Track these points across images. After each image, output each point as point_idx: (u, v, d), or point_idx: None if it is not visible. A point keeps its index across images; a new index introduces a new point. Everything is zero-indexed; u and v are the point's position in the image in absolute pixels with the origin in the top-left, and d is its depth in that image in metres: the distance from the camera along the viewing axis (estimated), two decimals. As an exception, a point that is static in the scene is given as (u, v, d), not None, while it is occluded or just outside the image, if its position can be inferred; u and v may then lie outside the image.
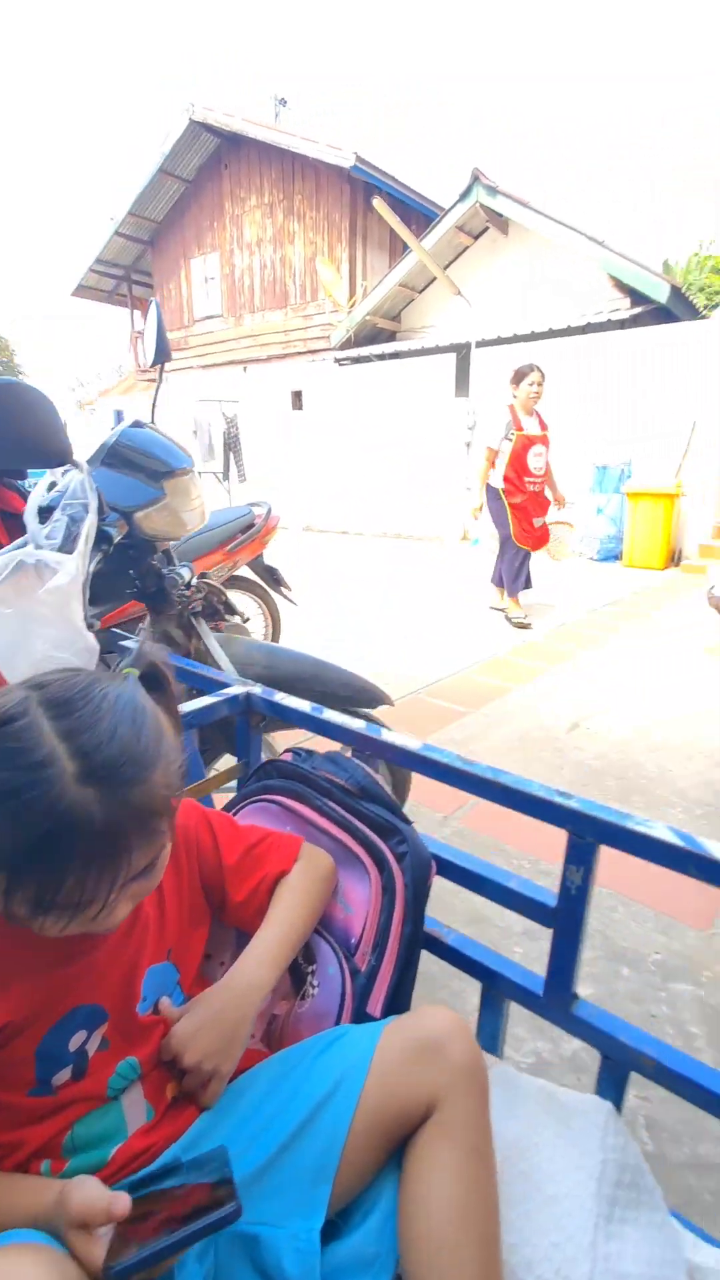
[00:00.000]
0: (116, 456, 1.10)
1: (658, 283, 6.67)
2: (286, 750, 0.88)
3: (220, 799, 1.03)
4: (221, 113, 10.13)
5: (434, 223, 8.20)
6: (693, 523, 5.99)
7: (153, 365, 1.26)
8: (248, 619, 1.40)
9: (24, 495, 1.14)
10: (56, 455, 0.83)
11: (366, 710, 1.48)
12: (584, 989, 1.36)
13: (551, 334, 7.32)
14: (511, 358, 6.93)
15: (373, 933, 0.71)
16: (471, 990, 1.16)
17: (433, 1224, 0.54)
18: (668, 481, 5.90)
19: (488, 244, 8.39)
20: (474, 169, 7.57)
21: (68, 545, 0.84)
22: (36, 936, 0.52)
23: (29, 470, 1.19)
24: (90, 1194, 0.48)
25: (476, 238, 8.43)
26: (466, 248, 8.53)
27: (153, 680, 0.61)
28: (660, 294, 6.62)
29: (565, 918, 0.66)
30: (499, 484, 4.02)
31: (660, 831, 0.59)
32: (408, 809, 1.81)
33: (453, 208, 7.86)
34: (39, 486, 0.91)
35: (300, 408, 9.02)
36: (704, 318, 6.86)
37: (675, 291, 6.69)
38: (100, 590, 1.31)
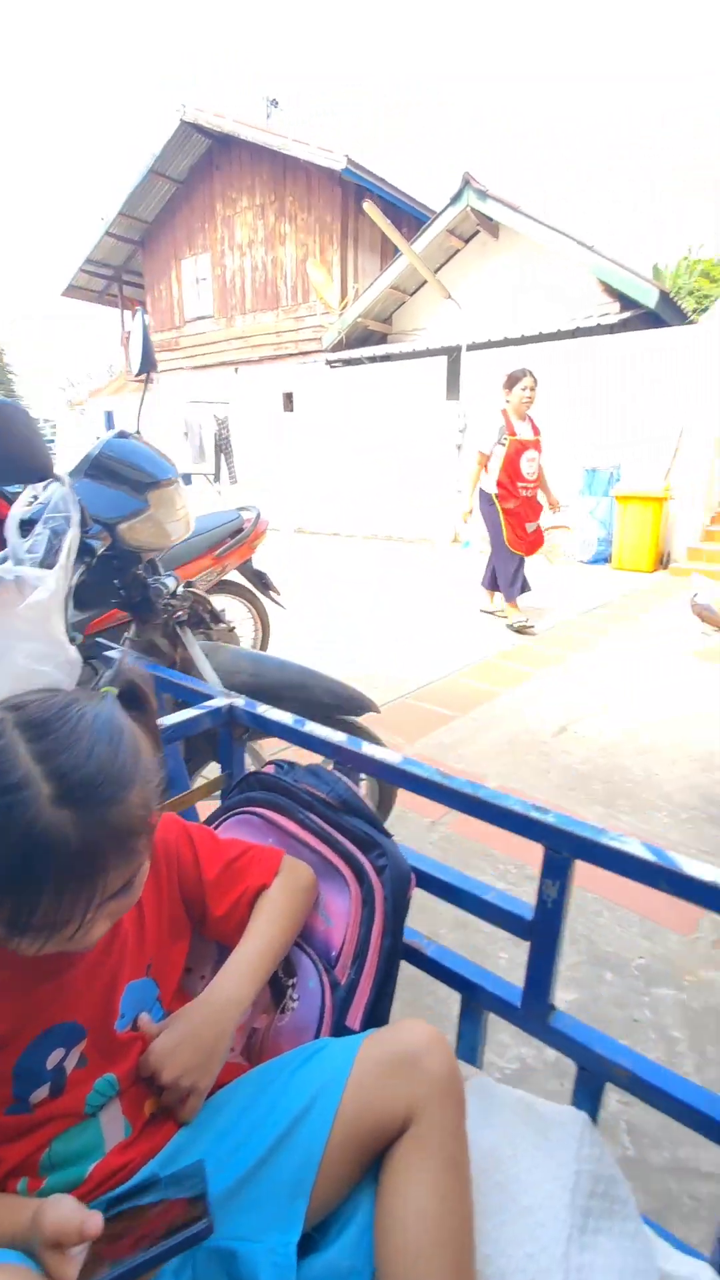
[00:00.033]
0: (100, 468, 1.10)
1: (646, 288, 6.73)
2: (269, 762, 0.89)
3: (207, 807, 1.04)
4: (212, 114, 10.12)
5: (425, 226, 8.23)
6: (681, 526, 6.03)
7: (138, 375, 1.26)
8: (233, 627, 1.40)
9: (10, 501, 1.15)
10: (37, 471, 0.83)
11: (353, 718, 1.48)
12: (568, 994, 1.38)
13: (541, 338, 7.37)
14: (502, 361, 6.96)
15: (353, 945, 0.72)
16: (455, 999, 1.17)
17: (408, 1237, 0.54)
18: (656, 485, 5.95)
19: (478, 247, 8.43)
20: (465, 173, 7.61)
21: (49, 559, 0.84)
22: (13, 955, 0.52)
23: (8, 486, 1.19)
24: (63, 1213, 0.48)
25: (467, 241, 8.47)
26: (457, 251, 8.57)
27: (132, 698, 0.62)
28: (649, 299, 6.68)
29: (542, 931, 0.67)
30: (492, 489, 4.01)
31: (634, 847, 0.60)
32: (395, 814, 1.82)
33: (443, 211, 7.90)
34: (19, 500, 0.91)
35: (291, 409, 9.03)
36: (692, 323, 6.92)
37: (664, 297, 6.75)
38: (86, 597, 1.31)
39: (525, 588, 4.11)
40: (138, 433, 1.27)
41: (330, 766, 0.86)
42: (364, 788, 1.56)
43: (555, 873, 0.65)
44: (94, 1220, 0.47)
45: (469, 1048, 0.77)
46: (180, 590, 1.23)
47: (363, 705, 1.46)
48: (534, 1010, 0.69)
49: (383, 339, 9.53)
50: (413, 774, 0.74)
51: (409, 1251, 0.54)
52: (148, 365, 1.27)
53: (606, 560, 6.28)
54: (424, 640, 3.87)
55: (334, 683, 1.43)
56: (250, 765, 1.51)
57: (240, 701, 0.93)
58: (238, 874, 0.72)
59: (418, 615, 4.50)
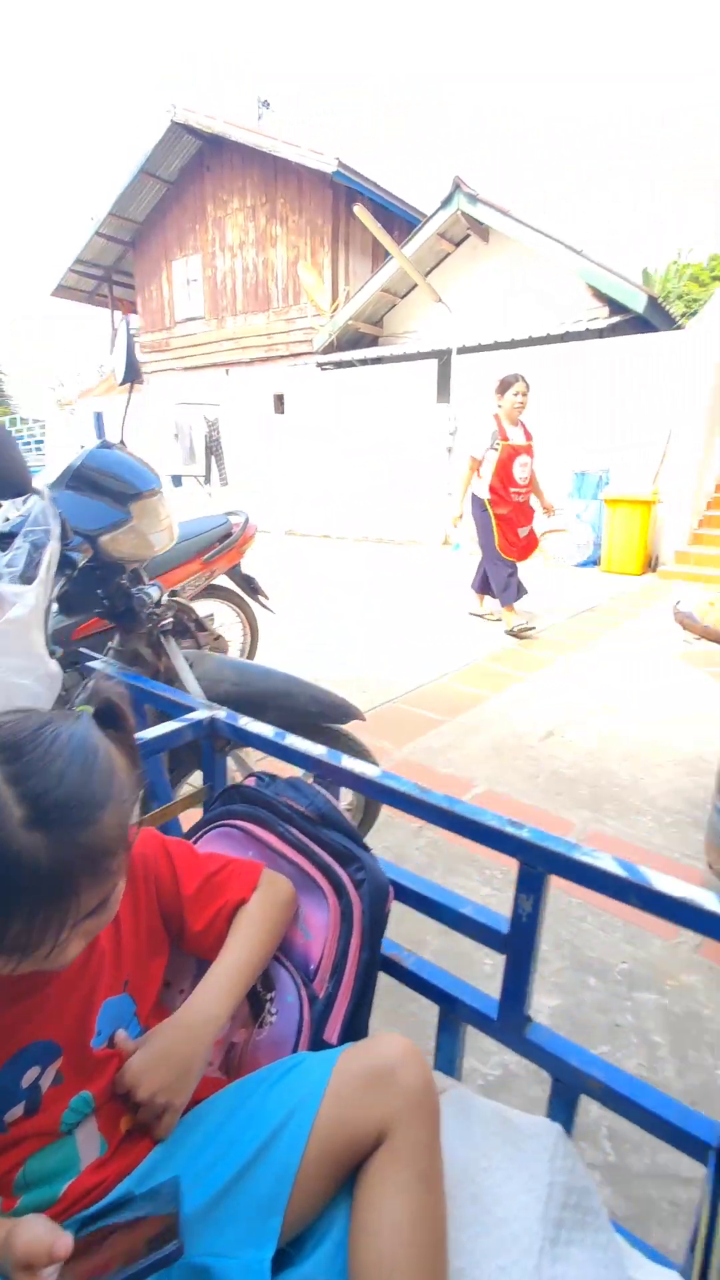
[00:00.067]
0: (82, 479, 1.10)
1: (635, 292, 6.78)
2: (250, 775, 0.89)
3: (192, 816, 1.04)
4: (203, 115, 10.11)
5: (415, 230, 8.26)
6: (669, 529, 6.08)
7: (122, 384, 1.26)
8: (218, 636, 1.40)
9: None
10: (15, 487, 0.83)
11: (338, 726, 1.49)
12: (551, 1000, 1.39)
13: (531, 341, 7.40)
14: (492, 365, 6.99)
15: (331, 959, 0.72)
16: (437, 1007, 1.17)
17: (381, 1251, 0.55)
18: (645, 489, 5.99)
19: (469, 251, 8.46)
20: (455, 177, 7.64)
21: (29, 572, 0.84)
22: None
23: None
24: (35, 1233, 0.48)
25: (458, 245, 8.50)
26: (448, 254, 8.60)
27: (109, 716, 0.62)
28: (637, 304, 6.73)
29: (517, 944, 0.68)
30: (484, 494, 3.99)
31: (606, 863, 0.61)
32: (382, 818, 1.82)
33: (434, 215, 7.92)
34: (-1, 514, 0.91)
35: (282, 411, 9.02)
36: (680, 327, 6.98)
37: (652, 301, 6.80)
38: (73, 602, 1.31)
39: (521, 592, 4.07)
40: (121, 442, 1.27)
41: (311, 779, 0.86)
42: (350, 798, 1.57)
43: (530, 887, 0.66)
44: (65, 1241, 0.48)
45: (447, 1059, 0.77)
46: (164, 600, 1.23)
47: (348, 713, 1.47)
48: (510, 1022, 0.70)
49: (374, 341, 9.54)
50: (391, 788, 0.75)
51: (383, 1265, 0.54)
52: (132, 375, 1.27)
53: (595, 563, 6.32)
54: (414, 643, 3.88)
55: (319, 691, 1.43)
56: (236, 772, 1.51)
57: (221, 713, 0.94)
58: (216, 889, 0.73)
59: (408, 618, 4.51)
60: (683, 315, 11.66)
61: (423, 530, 7.81)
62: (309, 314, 10.25)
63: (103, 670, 1.11)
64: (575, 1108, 0.69)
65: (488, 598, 4.39)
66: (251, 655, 3.07)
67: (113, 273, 13.27)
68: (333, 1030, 0.69)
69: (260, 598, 2.84)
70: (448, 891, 0.75)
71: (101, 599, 1.18)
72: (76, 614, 1.72)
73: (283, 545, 8.19)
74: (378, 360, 8.74)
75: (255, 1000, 0.74)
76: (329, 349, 9.38)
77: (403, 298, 9.15)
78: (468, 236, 8.32)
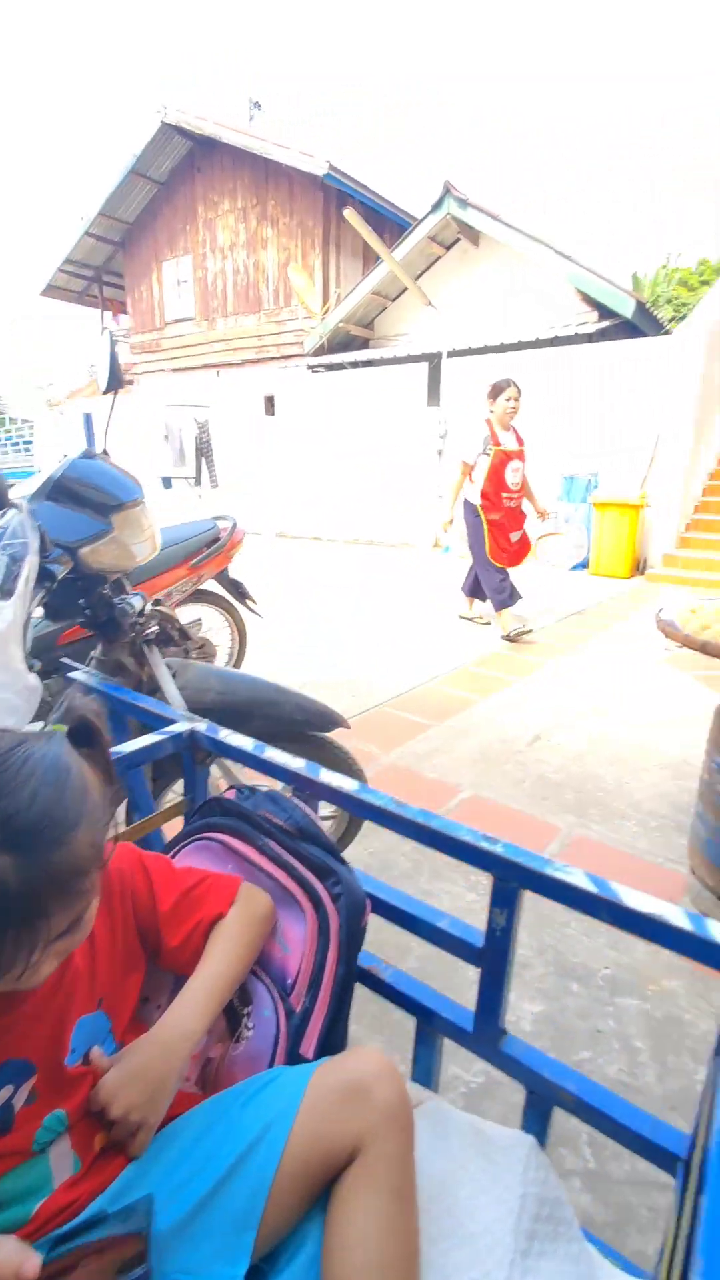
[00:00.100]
0: (62, 491, 1.09)
1: (623, 298, 6.83)
2: (230, 788, 0.89)
3: (175, 826, 1.04)
4: (194, 116, 10.09)
5: (406, 233, 8.28)
6: (657, 533, 6.13)
7: (106, 392, 1.26)
8: (202, 644, 1.40)
9: None
10: (-8, 501, 0.83)
11: (323, 734, 1.49)
12: (534, 1006, 1.40)
13: (521, 345, 7.44)
14: (482, 368, 7.03)
15: (308, 973, 0.72)
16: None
17: (353, 1266, 0.55)
18: (633, 492, 6.04)
19: (459, 255, 8.50)
20: (445, 181, 7.66)
21: (8, 586, 0.84)
22: None
23: None
24: (3, 1254, 0.48)
25: (448, 248, 8.53)
26: (438, 258, 8.63)
27: (83, 734, 0.62)
28: (626, 309, 6.77)
29: (491, 957, 0.69)
30: (476, 499, 3.98)
31: (577, 878, 0.62)
32: (368, 825, 1.83)
33: (424, 219, 7.95)
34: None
35: (273, 413, 9.02)
36: (667, 333, 7.03)
37: (640, 307, 6.86)
38: (58, 608, 1.30)
39: (515, 597, 4.04)
40: (104, 452, 1.26)
41: (290, 793, 0.87)
42: (334, 807, 1.57)
43: (504, 901, 0.66)
44: (32, 1262, 0.48)
45: (424, 1071, 0.78)
46: (147, 609, 1.22)
47: (332, 721, 1.47)
48: (485, 1035, 0.71)
49: (364, 344, 9.55)
50: (368, 802, 0.75)
51: None
52: (115, 383, 1.27)
53: (584, 566, 6.36)
54: (403, 646, 3.89)
55: (303, 699, 1.43)
56: (222, 780, 1.51)
57: (202, 725, 0.94)
58: (194, 904, 0.73)
59: (398, 621, 4.52)
60: (671, 319, 11.74)
61: (413, 533, 7.83)
62: (300, 316, 10.25)
63: (84, 680, 1.11)
64: (549, 1119, 0.69)
65: (477, 601, 4.40)
66: (240, 660, 3.07)
67: (103, 273, 13.21)
68: (309, 1044, 0.70)
69: (248, 602, 2.84)
70: (424, 905, 0.76)
71: (83, 609, 1.18)
72: (62, 619, 1.71)
73: (273, 547, 8.18)
74: (368, 363, 8.76)
75: (232, 1015, 0.74)
76: (320, 351, 9.39)
77: (393, 301, 9.17)
78: (458, 240, 8.35)
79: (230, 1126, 0.62)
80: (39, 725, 0.73)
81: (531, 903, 0.66)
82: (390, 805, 0.74)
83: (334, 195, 9.66)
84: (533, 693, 3.15)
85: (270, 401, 9.03)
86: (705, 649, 1.40)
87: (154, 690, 1.24)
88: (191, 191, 11.26)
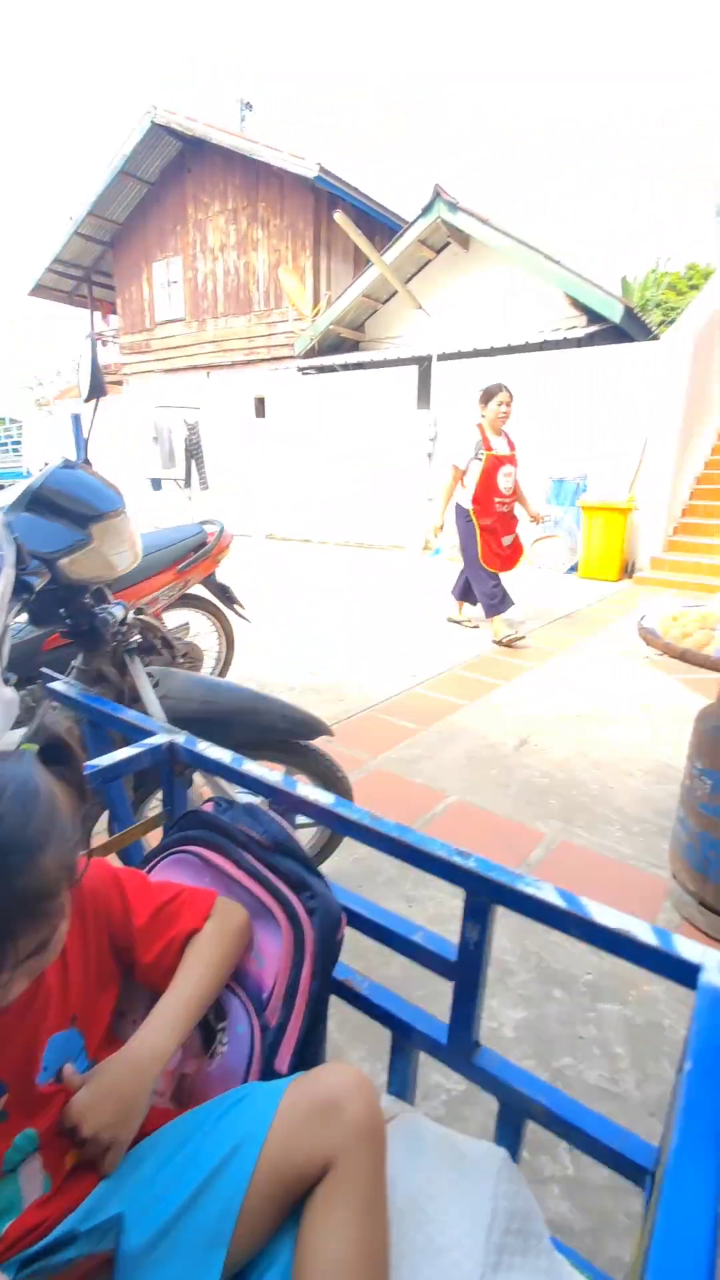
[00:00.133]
0: (41, 501, 1.09)
1: (612, 303, 6.88)
2: (208, 800, 0.89)
3: (157, 836, 1.04)
4: (184, 117, 10.07)
5: (396, 236, 8.30)
6: (645, 536, 6.18)
7: (87, 400, 1.26)
8: (185, 653, 1.40)
9: None
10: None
11: (308, 741, 1.49)
12: (516, 1013, 1.41)
13: (510, 349, 7.48)
14: (472, 372, 7.05)
15: (283, 987, 0.73)
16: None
17: None
18: (621, 496, 6.08)
19: (449, 259, 8.53)
20: (435, 185, 7.69)
21: (-16, 599, 0.84)
22: None
23: None
24: None
25: (438, 252, 8.56)
26: (429, 261, 8.66)
27: (55, 752, 0.62)
28: (614, 314, 6.83)
29: (465, 971, 0.69)
30: (468, 504, 3.98)
31: (547, 894, 0.62)
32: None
33: (414, 222, 7.97)
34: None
35: (263, 415, 9.01)
36: (656, 337, 7.09)
37: (628, 312, 6.91)
38: (41, 614, 1.30)
39: (507, 603, 4.03)
40: (85, 461, 1.26)
41: (268, 805, 0.87)
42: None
43: (476, 916, 0.67)
44: None
45: (400, 1084, 0.78)
46: (129, 618, 1.22)
47: (316, 729, 1.47)
48: (459, 1048, 0.71)
49: (355, 346, 9.57)
50: (343, 816, 0.76)
51: None
52: (96, 391, 1.27)
53: (573, 569, 6.40)
54: (392, 650, 3.90)
55: (287, 707, 1.44)
56: (206, 788, 1.51)
57: (180, 738, 0.94)
58: (169, 919, 0.73)
59: (388, 624, 4.53)
60: (660, 324, 11.83)
61: (403, 535, 7.85)
62: (290, 318, 10.25)
63: (63, 690, 1.10)
64: (522, 1132, 0.70)
65: (466, 605, 4.41)
66: (227, 664, 3.06)
67: (92, 273, 13.16)
68: (283, 1060, 0.70)
69: (236, 606, 2.84)
70: (398, 918, 0.76)
71: (64, 618, 1.18)
72: (46, 625, 1.71)
73: (263, 549, 8.17)
74: (359, 365, 8.77)
75: (207, 1030, 0.74)
76: (310, 353, 9.39)
77: (384, 303, 9.19)
78: (448, 244, 8.38)
79: (202, 1144, 0.62)
80: (19, 733, 0.73)
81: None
82: (366, 820, 0.74)
83: (325, 197, 9.67)
84: (520, 697, 3.16)
85: (260, 403, 9.02)
86: (684, 657, 1.41)
87: (136, 700, 1.24)
88: (182, 192, 11.24)
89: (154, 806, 1.52)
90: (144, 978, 0.72)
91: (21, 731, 0.63)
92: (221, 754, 0.89)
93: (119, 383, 12.99)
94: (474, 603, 4.27)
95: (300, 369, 9.31)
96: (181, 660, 1.58)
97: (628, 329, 6.97)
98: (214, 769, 0.88)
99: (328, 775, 1.53)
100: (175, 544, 2.52)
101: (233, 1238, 0.57)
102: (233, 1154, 0.60)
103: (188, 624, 2.83)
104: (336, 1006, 0.82)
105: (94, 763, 0.89)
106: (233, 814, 0.85)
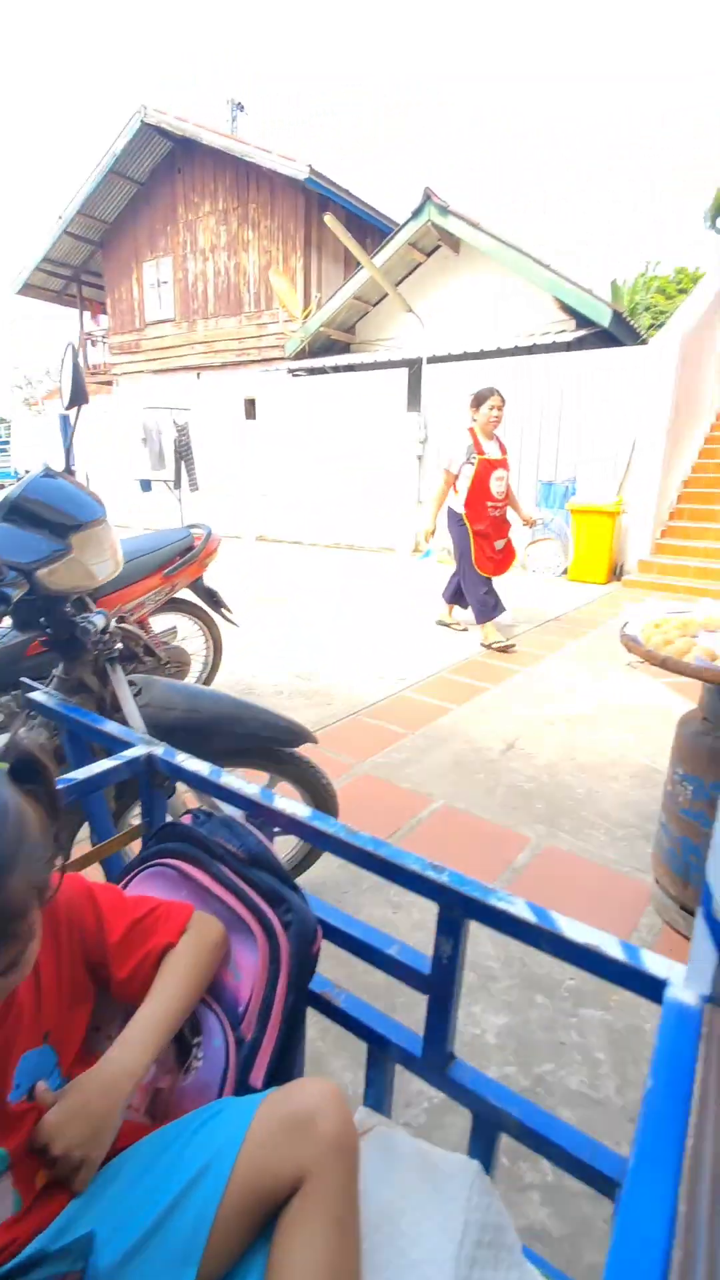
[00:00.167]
0: (19, 511, 1.08)
1: (601, 307, 6.92)
2: (186, 812, 0.89)
3: (137, 847, 1.03)
4: (174, 117, 10.04)
5: (386, 239, 8.32)
6: (633, 538, 6.22)
7: (68, 408, 1.25)
8: (166, 662, 1.39)
9: None
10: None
11: (290, 749, 1.49)
12: (499, 1019, 1.42)
13: (500, 353, 7.51)
14: (462, 374, 7.08)
15: (258, 1002, 0.73)
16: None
17: None
18: (610, 499, 6.12)
19: (439, 262, 8.56)
20: (425, 188, 7.71)
21: (-40, 611, 0.83)
22: None
23: None
24: None
25: (429, 255, 8.58)
26: (419, 264, 8.68)
27: (26, 770, 0.61)
28: (603, 318, 6.87)
29: (438, 985, 0.69)
30: (461, 509, 3.97)
31: (519, 909, 0.63)
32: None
33: (405, 225, 7.99)
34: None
35: (253, 417, 9.00)
36: (644, 342, 7.14)
37: (617, 316, 6.96)
38: (22, 621, 1.29)
39: (499, 609, 4.04)
40: (68, 470, 1.26)
41: (246, 818, 0.87)
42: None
43: (449, 931, 0.67)
44: None
45: (376, 1096, 0.78)
46: (111, 627, 1.22)
47: (299, 736, 1.47)
48: (433, 1061, 0.72)
49: (346, 348, 9.57)
50: (319, 829, 0.76)
51: None
52: (78, 399, 1.26)
53: (562, 571, 6.43)
54: (382, 652, 3.90)
55: (270, 715, 1.44)
56: (189, 795, 1.51)
57: (159, 749, 0.94)
58: (143, 934, 0.73)
59: (377, 626, 4.53)
60: (650, 327, 11.93)
61: (393, 537, 7.86)
62: (281, 319, 10.24)
63: (42, 700, 1.10)
64: (496, 1144, 0.70)
65: (457, 608, 4.42)
66: (215, 668, 3.06)
67: (81, 272, 13.09)
68: (258, 1074, 0.70)
69: (223, 611, 2.84)
70: (375, 931, 0.77)
71: (44, 627, 1.17)
72: (31, 630, 1.70)
73: (254, 551, 8.16)
74: (349, 368, 8.78)
75: (182, 1045, 0.74)
76: (301, 355, 9.39)
77: (375, 305, 9.20)
78: (438, 247, 8.41)
79: (174, 1160, 0.62)
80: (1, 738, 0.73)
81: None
82: (341, 833, 0.74)
83: (315, 199, 9.68)
84: (507, 700, 3.17)
85: (251, 404, 9.00)
86: (665, 665, 1.42)
87: (118, 709, 1.24)
88: (172, 192, 11.21)
89: (137, 815, 1.51)
90: (119, 993, 0.72)
91: None
92: (200, 766, 0.89)
93: (109, 383, 12.93)
94: (464, 606, 4.28)
95: (291, 370, 9.30)
96: (169, 665, 1.57)
97: (616, 333, 7.02)
98: (192, 781, 0.88)
99: (312, 782, 1.53)
100: (162, 548, 2.51)
101: (204, 1254, 0.57)
102: (205, 1170, 0.60)
103: (175, 628, 2.83)
104: (318, 1015, 0.82)
105: (71, 776, 0.89)
106: (210, 827, 0.85)
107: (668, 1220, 0.37)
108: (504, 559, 4.14)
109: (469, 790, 2.32)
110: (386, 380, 7.77)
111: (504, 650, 3.91)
